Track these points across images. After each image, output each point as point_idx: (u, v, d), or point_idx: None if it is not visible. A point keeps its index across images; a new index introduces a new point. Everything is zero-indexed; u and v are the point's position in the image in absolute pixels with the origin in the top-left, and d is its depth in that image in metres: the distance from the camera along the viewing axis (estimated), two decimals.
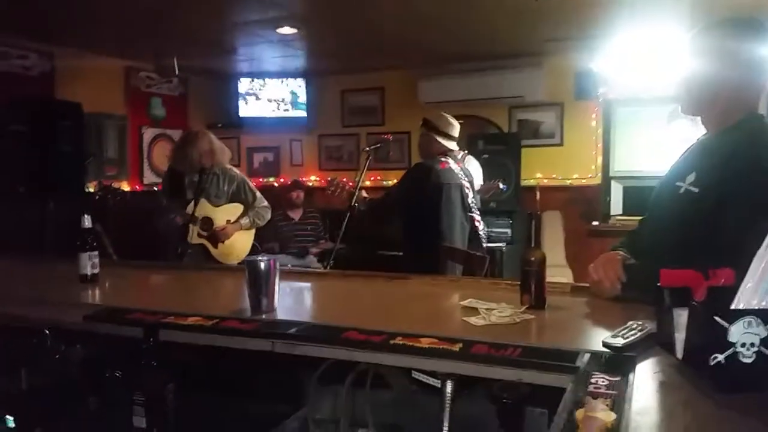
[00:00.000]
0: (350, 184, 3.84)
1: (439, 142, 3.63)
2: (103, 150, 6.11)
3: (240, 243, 3.96)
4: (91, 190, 5.09)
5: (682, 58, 1.76)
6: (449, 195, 3.51)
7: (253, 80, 7.19)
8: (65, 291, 2.11)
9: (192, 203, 3.75)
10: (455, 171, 3.62)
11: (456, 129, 3.70)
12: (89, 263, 2.19)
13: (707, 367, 1.07)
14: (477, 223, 3.73)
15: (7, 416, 1.41)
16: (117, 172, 6.26)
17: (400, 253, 3.82)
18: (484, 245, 3.78)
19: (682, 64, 1.76)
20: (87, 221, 2.21)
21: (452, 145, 3.69)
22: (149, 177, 6.63)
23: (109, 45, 5.70)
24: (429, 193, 3.46)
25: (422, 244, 3.47)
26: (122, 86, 6.35)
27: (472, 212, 3.67)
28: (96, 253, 2.22)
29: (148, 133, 6.64)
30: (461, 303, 1.72)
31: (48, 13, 4.59)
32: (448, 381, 1.36)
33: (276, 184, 7.48)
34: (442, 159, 3.60)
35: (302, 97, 7.23)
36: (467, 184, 3.68)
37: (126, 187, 6.28)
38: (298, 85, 7.22)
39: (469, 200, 3.65)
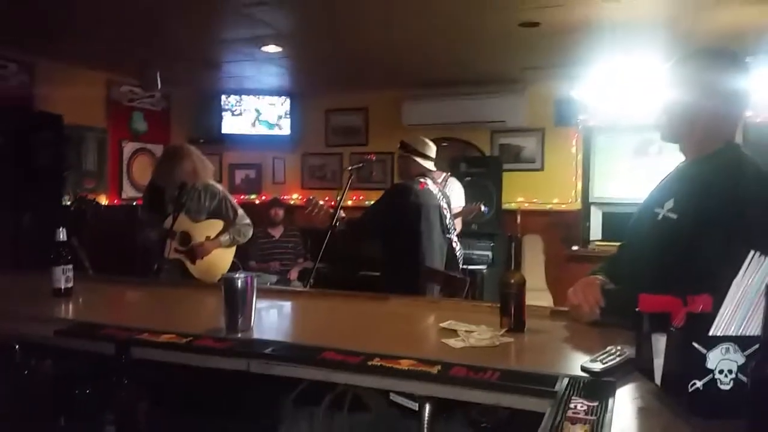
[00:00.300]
0: (331, 203, 3.83)
1: (418, 163, 3.66)
2: (82, 163, 6.04)
3: (219, 260, 3.88)
4: (68, 203, 5.01)
5: (661, 87, 1.79)
6: (428, 216, 3.52)
7: (237, 97, 7.18)
8: (37, 305, 2.06)
9: (170, 218, 3.70)
10: (434, 192, 3.64)
11: (432, 150, 3.74)
12: (63, 277, 2.15)
13: (686, 393, 1.07)
14: (454, 244, 3.74)
15: None
16: (95, 185, 6.18)
17: (379, 274, 3.81)
18: (461, 266, 3.78)
19: (661, 93, 1.79)
20: (62, 234, 2.18)
21: (430, 166, 3.72)
22: (128, 191, 6.56)
23: (91, 57, 5.65)
24: (408, 213, 3.46)
25: (401, 264, 3.46)
26: (104, 99, 6.29)
27: (449, 233, 3.69)
28: (70, 266, 2.18)
29: (129, 147, 6.58)
30: (440, 324, 1.71)
31: (30, 24, 4.55)
32: (427, 404, 1.35)
33: (257, 202, 7.44)
34: (421, 180, 3.61)
35: (286, 116, 7.23)
36: (445, 205, 3.70)
37: (104, 200, 6.20)
38: (282, 104, 7.22)
39: (447, 221, 3.67)
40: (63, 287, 2.15)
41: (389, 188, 3.73)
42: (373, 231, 3.61)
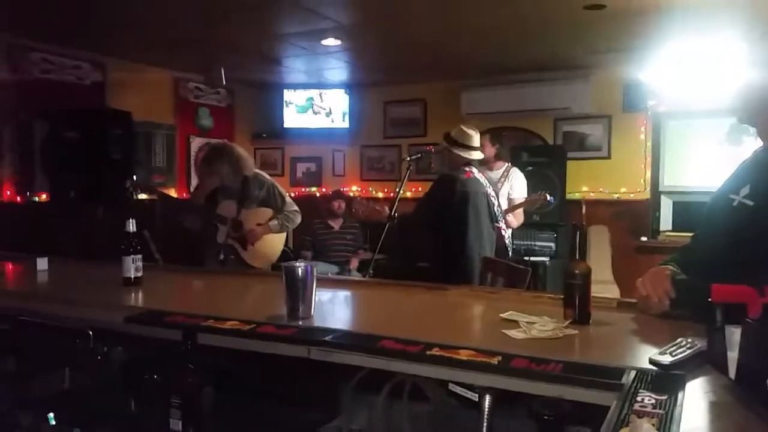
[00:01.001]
0: (389, 195, 3.84)
1: (458, 154, 3.64)
2: (151, 158, 6.27)
3: (270, 246, 3.98)
4: (143, 196, 5.21)
5: (739, 65, 1.69)
6: (476, 203, 3.49)
7: (297, 91, 7.28)
8: (109, 293, 2.14)
9: (222, 205, 3.84)
10: (480, 180, 3.61)
11: (473, 140, 3.70)
12: (133, 266, 2.23)
13: (763, 388, 1.01)
14: (503, 232, 3.69)
15: (49, 414, 1.43)
16: (164, 179, 6.41)
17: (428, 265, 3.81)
18: (510, 255, 3.74)
19: (738, 73, 1.70)
20: (131, 225, 2.26)
21: (474, 155, 3.69)
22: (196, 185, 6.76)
23: (159, 56, 5.86)
24: (455, 202, 3.45)
25: (451, 253, 3.45)
26: (171, 96, 6.52)
27: (498, 222, 3.64)
28: (140, 256, 2.25)
29: (196, 143, 6.78)
30: (501, 315, 1.68)
31: (101, 25, 4.74)
32: (487, 395, 1.32)
33: (318, 194, 7.54)
34: (467, 169, 3.60)
35: (345, 108, 7.28)
36: (493, 194, 3.67)
37: (174, 194, 6.42)
38: (342, 97, 7.27)
39: (495, 209, 3.62)
40: (133, 276, 2.23)
41: (435, 180, 3.73)
42: (422, 224, 3.61)
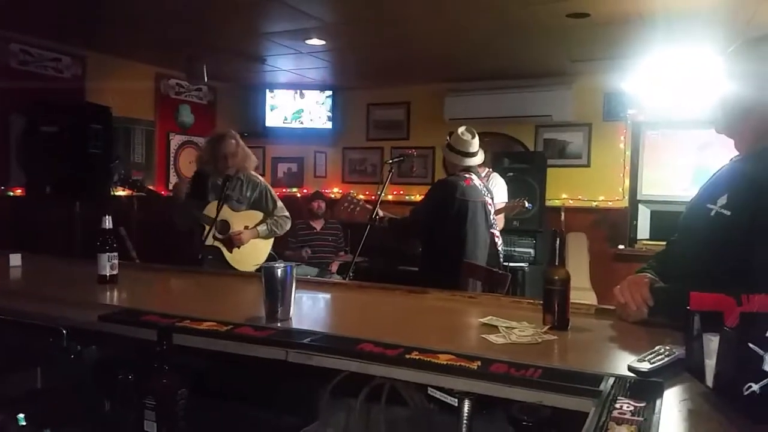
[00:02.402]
0: (371, 198, 3.82)
1: (459, 158, 3.61)
2: (130, 154, 6.19)
3: (256, 250, 3.91)
4: (120, 193, 5.14)
5: (717, 77, 1.71)
6: (474, 212, 3.47)
7: (280, 91, 7.25)
8: (84, 291, 2.11)
9: (210, 205, 3.77)
10: (479, 187, 3.59)
11: (472, 145, 3.65)
12: (108, 264, 2.19)
13: (740, 396, 1.02)
14: (497, 239, 3.69)
15: (19, 414, 1.39)
16: (143, 176, 6.32)
17: (417, 269, 3.78)
18: (502, 263, 3.73)
19: (716, 83, 1.72)
20: (107, 222, 2.22)
21: (472, 161, 3.65)
22: (175, 182, 6.69)
23: (140, 51, 5.79)
24: (454, 209, 3.42)
25: (444, 260, 3.42)
26: (152, 92, 6.44)
27: (493, 229, 3.64)
28: (115, 254, 2.22)
29: (176, 140, 6.72)
30: (480, 320, 1.68)
31: (83, 18, 4.67)
32: (466, 400, 1.32)
33: (299, 195, 7.51)
34: (466, 175, 3.57)
35: (328, 110, 7.26)
36: (490, 201, 3.66)
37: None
38: (325, 98, 7.25)
39: (491, 217, 3.62)
40: (108, 274, 2.19)
41: (435, 184, 3.68)
42: (420, 229, 3.57)
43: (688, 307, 1.24)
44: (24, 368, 1.91)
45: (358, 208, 3.45)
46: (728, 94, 1.68)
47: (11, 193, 5.14)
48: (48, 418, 1.47)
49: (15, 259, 2.62)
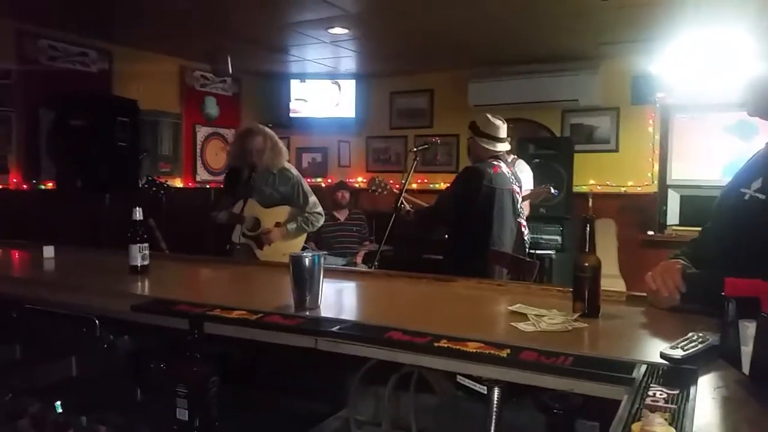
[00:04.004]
0: (396, 185, 3.80)
1: (485, 147, 3.56)
2: (157, 147, 6.26)
3: (286, 247, 3.77)
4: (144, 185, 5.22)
5: (749, 58, 1.67)
6: (501, 200, 3.44)
7: (304, 80, 7.26)
8: (115, 281, 2.14)
9: (242, 202, 3.75)
10: (507, 175, 3.55)
11: (502, 130, 3.60)
12: (139, 255, 2.23)
13: None
14: (523, 228, 3.65)
15: (56, 402, 1.42)
16: (171, 168, 6.41)
17: (442, 257, 3.76)
18: (527, 251, 3.70)
19: (748, 64, 1.67)
20: (138, 214, 2.25)
21: (501, 147, 3.60)
22: (202, 174, 6.77)
23: (165, 44, 5.84)
24: (481, 197, 3.39)
25: (470, 248, 3.40)
26: (177, 85, 6.50)
27: (520, 218, 3.60)
28: (146, 245, 2.25)
29: (202, 132, 6.78)
30: (509, 308, 1.67)
31: (108, 12, 4.73)
32: (496, 388, 1.31)
33: (323, 185, 7.53)
34: (494, 163, 3.53)
35: (351, 99, 7.25)
36: (517, 189, 3.61)
37: (179, 183, 6.42)
38: (348, 87, 7.24)
39: (519, 205, 3.58)
40: (139, 264, 2.23)
41: (461, 172, 3.62)
42: (447, 217, 3.55)
43: (723, 293, 1.22)
44: (59, 357, 1.96)
45: (385, 192, 3.45)
46: (758, 75, 1.64)
47: (42, 187, 5.25)
48: (83, 406, 1.50)
49: (48, 251, 2.68)
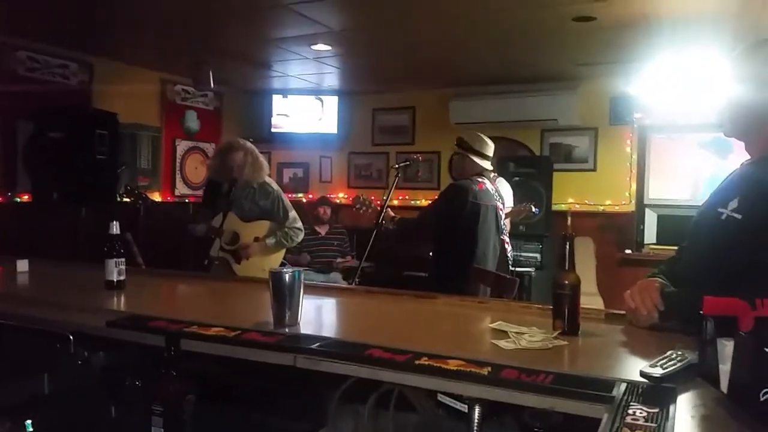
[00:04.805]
0: (377, 201, 3.81)
1: (474, 162, 3.58)
2: (136, 160, 6.20)
3: (264, 262, 3.74)
4: (125, 200, 5.16)
5: (725, 80, 1.70)
6: (486, 217, 3.45)
7: (286, 96, 7.26)
8: (91, 297, 2.11)
9: (221, 215, 3.72)
10: (491, 192, 3.58)
11: (490, 148, 3.65)
12: (116, 270, 2.19)
13: (756, 402, 1.00)
14: (506, 245, 3.67)
15: (26, 421, 1.39)
16: (149, 182, 6.34)
17: (426, 274, 3.76)
18: (510, 269, 3.71)
19: (724, 86, 1.71)
20: (115, 228, 2.22)
21: (487, 165, 3.64)
22: (181, 189, 6.71)
23: (146, 57, 5.81)
24: (466, 214, 3.40)
25: (452, 265, 3.41)
26: (158, 98, 6.46)
27: (503, 234, 3.62)
28: (123, 259, 2.22)
29: (182, 146, 6.73)
30: (490, 325, 1.67)
31: (89, 25, 4.69)
32: (476, 406, 1.31)
33: (305, 200, 7.51)
34: (479, 179, 3.55)
35: (334, 114, 7.27)
36: (501, 206, 3.64)
37: (158, 197, 6.35)
38: (330, 103, 7.26)
39: (502, 222, 3.60)
40: (116, 280, 2.19)
41: (447, 188, 3.63)
42: (428, 231, 3.56)
43: (701, 312, 1.23)
44: (31, 374, 1.91)
45: (369, 210, 3.45)
46: (735, 97, 1.67)
47: (18, 200, 5.16)
48: (56, 424, 1.46)
49: (22, 265, 2.62)
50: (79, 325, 1.72)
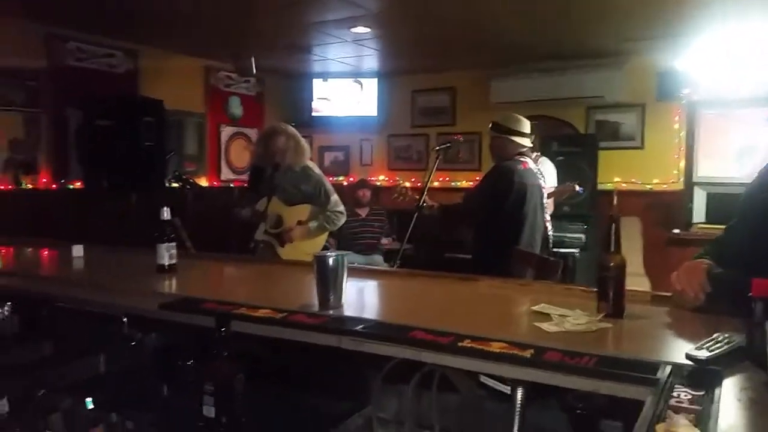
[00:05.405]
0: (417, 184, 3.81)
1: (514, 142, 3.54)
2: (182, 146, 6.35)
3: (308, 246, 3.76)
4: (173, 185, 5.29)
5: None
6: (532, 197, 3.42)
7: (326, 80, 7.29)
8: (143, 280, 2.18)
9: (265, 199, 3.79)
10: (534, 171, 3.55)
11: (527, 126, 3.59)
12: (167, 254, 2.26)
13: None
14: (548, 224, 3.64)
15: (87, 399, 1.46)
16: (196, 168, 6.49)
17: (468, 256, 3.75)
18: (551, 249, 3.68)
19: None
20: (166, 213, 2.28)
21: (527, 143, 3.60)
22: (226, 173, 6.84)
23: (190, 45, 5.91)
24: (513, 194, 3.37)
25: (496, 247, 3.38)
26: (202, 85, 6.57)
27: (545, 214, 3.59)
28: (173, 244, 2.28)
29: (226, 131, 6.85)
30: (533, 308, 1.67)
31: (134, 14, 4.80)
32: (519, 388, 1.32)
33: (345, 183, 7.56)
34: (522, 159, 3.51)
35: (373, 97, 7.26)
36: (543, 185, 3.61)
37: (204, 182, 6.49)
38: (370, 85, 7.25)
39: (544, 201, 3.57)
40: (167, 264, 2.26)
41: (492, 170, 3.60)
42: (477, 215, 3.53)
43: (750, 294, 1.20)
44: (88, 355, 2.00)
45: (407, 199, 3.46)
46: None
47: (71, 186, 5.35)
48: (113, 403, 1.53)
49: (77, 251, 2.73)
50: (133, 307, 1.79)
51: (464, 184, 6.78)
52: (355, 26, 5.03)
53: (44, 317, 1.97)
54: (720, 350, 1.21)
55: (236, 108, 6.97)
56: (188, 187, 4.10)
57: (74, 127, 5.33)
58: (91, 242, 2.92)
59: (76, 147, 5.35)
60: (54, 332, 2.02)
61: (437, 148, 3.88)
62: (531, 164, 3.54)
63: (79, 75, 5.35)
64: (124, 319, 1.78)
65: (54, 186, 5.27)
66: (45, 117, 5.20)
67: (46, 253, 3.06)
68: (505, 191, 3.38)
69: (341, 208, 3.94)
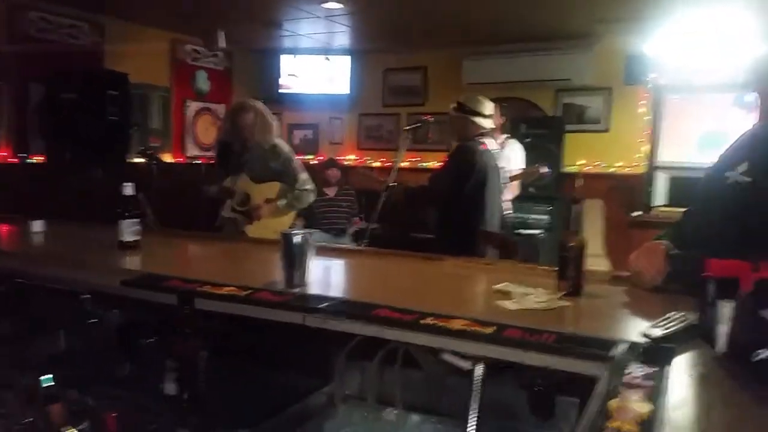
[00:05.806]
0: (386, 164, 3.82)
1: (476, 123, 3.59)
2: (147, 121, 6.21)
3: (275, 224, 3.70)
4: (138, 160, 5.20)
5: (748, 38, 1.69)
6: (492, 177, 3.47)
7: (296, 56, 7.20)
8: (105, 256, 2.15)
9: (233, 176, 3.75)
10: (492, 152, 3.59)
11: (489, 108, 3.64)
12: (129, 230, 2.22)
13: (750, 362, 1.02)
14: (503, 205, 3.70)
15: (45, 376, 1.44)
16: (161, 143, 6.36)
17: (434, 236, 3.78)
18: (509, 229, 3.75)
19: (749, 44, 1.70)
20: (129, 189, 2.24)
21: (489, 124, 3.64)
22: (192, 150, 6.73)
23: (157, 17, 5.77)
24: (473, 175, 3.41)
25: (460, 227, 3.42)
26: (168, 58, 6.43)
27: (502, 194, 3.64)
28: (137, 220, 2.25)
29: (192, 107, 6.73)
30: (495, 287, 1.69)
31: None
32: (479, 364, 1.34)
33: (315, 162, 7.51)
34: (481, 140, 3.55)
35: (345, 75, 7.20)
36: (502, 165, 3.66)
37: (169, 158, 6.38)
38: (341, 63, 7.19)
39: (501, 182, 3.62)
40: (130, 240, 2.23)
41: (454, 151, 3.63)
42: (444, 197, 3.56)
43: (705, 273, 1.24)
44: (49, 331, 1.97)
45: (371, 180, 3.48)
46: (763, 55, 1.65)
47: (32, 160, 5.21)
48: (73, 379, 1.52)
49: (37, 225, 2.67)
50: (95, 284, 1.76)
51: (434, 164, 6.79)
52: (327, 1, 4.97)
53: (2, 294, 1.93)
54: (674, 328, 1.25)
55: (203, 83, 6.84)
56: (154, 162, 4.02)
57: (36, 101, 5.18)
58: (53, 217, 2.86)
59: (38, 120, 5.20)
60: (12, 309, 1.98)
61: (407, 128, 3.88)
62: (491, 145, 3.58)
63: (41, 47, 5.18)
64: (87, 296, 1.75)
65: (15, 160, 5.12)
66: (6, 89, 5.03)
67: (5, 228, 2.98)
68: (467, 171, 3.41)
69: (310, 186, 3.90)
